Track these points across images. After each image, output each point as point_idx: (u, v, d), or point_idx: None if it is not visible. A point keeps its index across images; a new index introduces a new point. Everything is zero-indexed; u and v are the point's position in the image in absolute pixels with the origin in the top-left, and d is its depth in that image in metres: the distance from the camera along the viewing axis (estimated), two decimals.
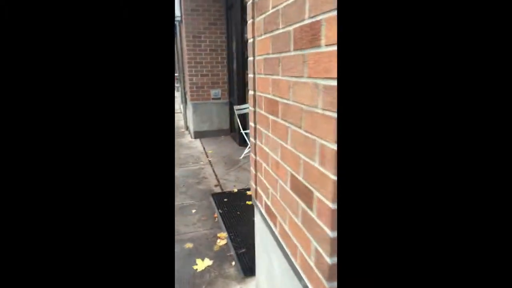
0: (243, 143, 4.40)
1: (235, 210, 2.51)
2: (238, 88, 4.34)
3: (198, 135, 5.04)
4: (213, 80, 4.91)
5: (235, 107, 3.90)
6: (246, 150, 3.93)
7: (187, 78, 4.94)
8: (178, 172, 3.45)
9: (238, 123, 3.90)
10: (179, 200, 2.75)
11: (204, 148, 4.42)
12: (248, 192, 2.84)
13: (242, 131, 3.84)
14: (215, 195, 2.81)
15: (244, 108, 4.00)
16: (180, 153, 4.22)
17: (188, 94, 4.99)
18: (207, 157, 4.01)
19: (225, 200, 2.71)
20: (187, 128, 5.75)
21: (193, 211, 2.54)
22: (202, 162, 3.79)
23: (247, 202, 2.64)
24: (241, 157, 3.90)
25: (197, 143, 4.77)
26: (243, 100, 4.33)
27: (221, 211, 2.49)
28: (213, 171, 3.48)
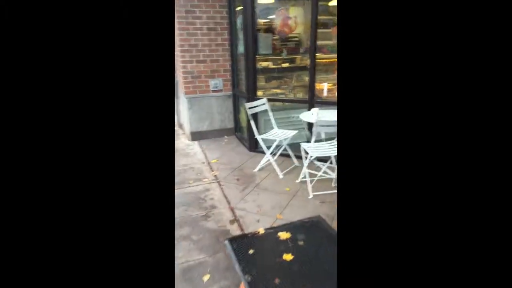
0: (254, 147, 3.48)
1: (271, 274, 1.64)
2: (247, 77, 3.38)
3: (196, 136, 4.08)
4: (212, 68, 3.91)
5: (247, 104, 2.95)
6: (264, 160, 3.02)
7: (178, 65, 3.93)
8: (176, 196, 2.54)
9: (252, 125, 2.97)
10: (182, 253, 1.85)
11: (205, 156, 3.49)
12: (281, 235, 1.96)
13: (257, 135, 2.91)
14: (233, 242, 1.93)
15: (259, 106, 3.05)
16: (176, 163, 3.28)
17: (182, 85, 3.99)
18: (212, 170, 3.09)
19: (250, 252, 1.82)
20: (180, 126, 4.78)
21: (205, 277, 1.65)
22: (206, 179, 2.87)
23: (285, 256, 1.77)
24: (256, 170, 2.99)
25: (196, 147, 3.83)
26: (253, 93, 3.38)
27: (249, 279, 1.61)
28: (223, 194, 2.58)
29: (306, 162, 2.54)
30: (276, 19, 3.10)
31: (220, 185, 2.74)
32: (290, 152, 3.09)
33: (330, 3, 3.47)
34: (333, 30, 3.16)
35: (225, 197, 2.52)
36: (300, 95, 3.92)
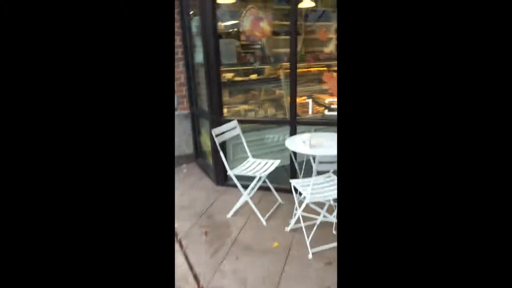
0: (223, 180, 2.77)
1: None
2: (210, 93, 2.67)
3: None
4: None
5: (214, 131, 2.23)
6: (241, 200, 2.31)
7: None
8: None
9: (222, 157, 2.25)
10: None
11: None
12: None
13: (230, 172, 2.20)
14: None
15: (229, 131, 2.36)
16: None
17: None
18: None
19: None
20: None
21: None
22: None
23: None
24: (230, 215, 2.28)
25: None
26: (219, 113, 2.67)
27: None
28: (188, 263, 1.81)
29: (299, 209, 1.89)
30: (244, 20, 2.47)
31: (182, 246, 1.96)
32: (270, 185, 2.44)
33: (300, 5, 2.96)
34: (321, 34, 2.62)
35: (191, 268, 1.76)
36: (272, 111, 3.32)
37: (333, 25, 3.30)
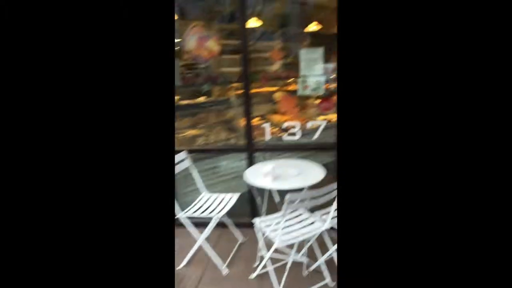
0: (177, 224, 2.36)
1: None
2: None
3: None
4: None
5: None
6: (195, 247, 1.94)
7: None
8: None
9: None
10: None
11: None
12: None
13: (180, 214, 1.84)
14: None
15: (176, 164, 2.01)
16: None
17: None
18: None
19: None
20: None
21: None
22: None
23: None
24: (182, 265, 1.90)
25: None
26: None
27: None
28: None
29: (267, 254, 1.62)
30: (188, 39, 2.20)
31: None
32: (229, 221, 2.13)
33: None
34: (273, 54, 2.47)
35: None
36: (224, 135, 3.06)
37: (278, 44, 3.23)
